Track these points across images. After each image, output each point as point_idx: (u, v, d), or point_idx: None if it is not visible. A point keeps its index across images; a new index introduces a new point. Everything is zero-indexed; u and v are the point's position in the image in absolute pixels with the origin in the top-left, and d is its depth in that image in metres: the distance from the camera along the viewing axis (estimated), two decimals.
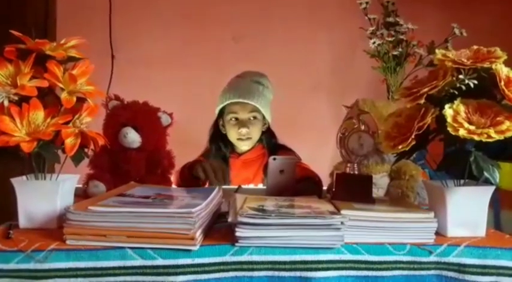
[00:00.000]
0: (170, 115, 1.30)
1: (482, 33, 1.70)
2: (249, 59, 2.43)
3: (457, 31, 1.64)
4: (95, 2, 2.40)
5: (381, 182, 1.14)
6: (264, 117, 1.66)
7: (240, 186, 1.37)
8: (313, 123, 2.50)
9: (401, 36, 1.67)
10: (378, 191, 1.14)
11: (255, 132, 1.64)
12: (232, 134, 1.64)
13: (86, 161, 1.02)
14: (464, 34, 1.63)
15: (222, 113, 1.67)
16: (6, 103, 0.84)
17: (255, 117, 1.62)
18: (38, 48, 0.89)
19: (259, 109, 1.60)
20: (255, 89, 1.61)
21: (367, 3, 1.74)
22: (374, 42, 1.67)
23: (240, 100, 1.58)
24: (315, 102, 2.52)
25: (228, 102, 1.60)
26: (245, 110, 1.61)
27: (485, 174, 0.84)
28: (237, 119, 1.62)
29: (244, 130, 1.60)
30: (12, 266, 0.77)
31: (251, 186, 1.61)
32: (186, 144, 1.54)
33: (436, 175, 0.94)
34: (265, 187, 1.49)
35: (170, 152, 1.31)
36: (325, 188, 1.27)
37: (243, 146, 1.66)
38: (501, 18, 2.45)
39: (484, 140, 0.80)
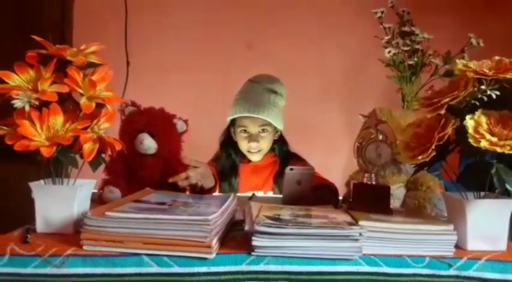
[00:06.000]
0: (186, 122, 1.30)
1: (499, 43, 1.68)
2: (262, 66, 2.40)
3: (473, 41, 1.62)
4: (110, 8, 2.42)
5: (397, 193, 1.13)
6: (275, 128, 1.65)
7: (254, 194, 1.36)
8: (325, 131, 2.49)
9: (417, 46, 1.66)
10: (394, 202, 1.12)
11: (266, 145, 1.64)
12: (243, 146, 1.64)
13: (101, 166, 1.02)
14: (481, 44, 1.62)
15: (233, 121, 1.67)
16: (27, 108, 0.84)
17: (265, 130, 1.61)
18: (59, 54, 0.90)
19: (269, 122, 1.58)
20: (265, 100, 1.58)
21: (382, 12, 1.73)
22: (389, 52, 1.66)
23: (250, 115, 1.56)
24: (327, 110, 2.51)
25: (237, 115, 1.59)
26: (255, 124, 1.59)
27: (507, 186, 0.82)
28: (247, 132, 1.61)
29: (254, 144, 1.60)
30: (29, 270, 0.77)
31: (260, 193, 1.60)
32: (198, 150, 1.54)
33: (455, 186, 0.93)
34: (275, 195, 1.49)
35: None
36: (340, 197, 1.26)
37: (253, 158, 1.66)
38: None
39: (506, 152, 0.79)
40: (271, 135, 1.64)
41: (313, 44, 2.51)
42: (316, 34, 2.51)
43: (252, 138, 1.59)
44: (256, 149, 1.62)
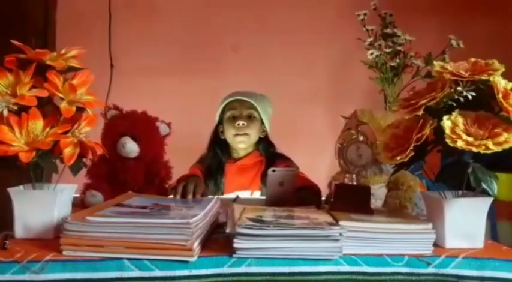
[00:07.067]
0: (168, 125, 1.30)
1: (480, 45, 1.72)
2: (248, 69, 2.44)
3: (454, 43, 1.65)
4: (94, 11, 2.41)
5: (378, 193, 1.14)
6: (262, 123, 1.67)
7: (237, 197, 1.37)
8: (311, 132, 2.51)
9: (399, 48, 1.68)
10: (376, 202, 1.14)
11: (252, 131, 1.65)
12: (230, 131, 1.65)
13: (84, 170, 1.02)
14: (462, 46, 1.64)
15: (221, 118, 1.68)
16: (5, 113, 0.84)
17: (253, 115, 1.65)
18: (38, 58, 0.89)
19: (257, 108, 1.64)
20: (253, 93, 1.69)
21: (365, 14, 1.74)
22: (372, 53, 1.68)
23: (239, 97, 1.64)
24: (312, 111, 2.53)
25: (227, 101, 1.66)
26: (243, 107, 1.65)
27: (484, 185, 0.84)
28: (235, 115, 1.65)
29: (241, 122, 1.61)
30: (7, 277, 0.76)
31: (247, 193, 1.61)
32: (184, 153, 1.54)
33: (434, 186, 0.94)
34: (262, 196, 1.50)
35: (167, 162, 1.31)
36: (323, 198, 1.27)
37: (239, 143, 1.65)
38: (498, 30, 2.47)
39: (482, 151, 0.80)
40: (257, 124, 1.67)
41: (299, 47, 2.53)
42: (301, 37, 2.53)
43: (239, 117, 1.64)
44: (242, 130, 1.62)
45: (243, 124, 1.61)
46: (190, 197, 1.13)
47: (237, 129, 1.62)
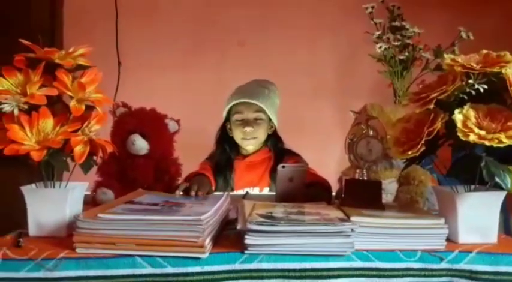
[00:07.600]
0: (177, 122, 1.30)
1: (489, 37, 1.69)
2: (255, 64, 2.43)
3: (463, 34, 1.63)
4: (101, 8, 2.41)
5: (389, 188, 1.14)
6: (270, 120, 1.66)
7: (247, 193, 1.36)
8: (318, 128, 2.49)
9: (408, 40, 1.66)
10: (387, 197, 1.13)
11: (260, 133, 1.65)
12: (238, 134, 1.64)
13: (94, 168, 1.02)
14: (471, 37, 1.62)
15: (229, 115, 1.68)
16: (16, 112, 0.84)
17: (260, 118, 1.64)
18: (47, 57, 0.89)
19: (264, 110, 1.62)
20: (260, 91, 1.65)
21: (372, 7, 1.73)
22: (380, 47, 1.66)
23: (245, 100, 1.61)
24: (320, 106, 2.52)
25: (234, 102, 1.63)
26: (250, 110, 1.63)
27: (497, 179, 0.83)
28: (242, 119, 1.63)
29: (248, 129, 1.61)
30: (22, 274, 0.77)
31: (256, 189, 1.61)
32: (192, 150, 1.54)
33: (446, 180, 0.93)
34: (271, 192, 1.49)
35: (177, 159, 1.31)
36: (333, 193, 1.26)
37: (248, 146, 1.66)
38: (507, 21, 2.44)
39: (495, 145, 0.79)
40: (265, 124, 1.66)
41: (305, 41, 2.52)
42: (308, 31, 2.51)
43: (246, 123, 1.62)
44: (250, 135, 1.62)
45: (251, 130, 1.61)
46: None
47: (244, 134, 1.62)
